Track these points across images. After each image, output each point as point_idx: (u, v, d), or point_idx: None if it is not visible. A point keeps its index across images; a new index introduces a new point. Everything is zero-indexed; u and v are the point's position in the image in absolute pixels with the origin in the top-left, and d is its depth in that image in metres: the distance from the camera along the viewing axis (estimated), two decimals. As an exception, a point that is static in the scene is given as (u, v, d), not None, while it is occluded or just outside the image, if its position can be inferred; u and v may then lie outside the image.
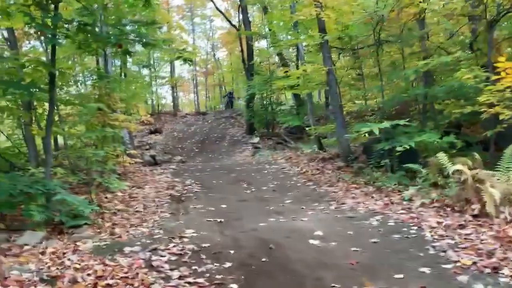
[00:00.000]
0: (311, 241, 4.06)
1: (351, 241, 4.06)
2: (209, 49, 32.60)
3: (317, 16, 8.66)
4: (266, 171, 9.00)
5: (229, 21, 18.99)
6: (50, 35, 4.58)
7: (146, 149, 18.21)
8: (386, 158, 6.96)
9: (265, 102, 19.69)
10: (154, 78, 21.26)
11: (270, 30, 19.91)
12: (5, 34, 10.25)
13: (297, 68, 12.43)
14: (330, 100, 8.91)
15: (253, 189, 7.07)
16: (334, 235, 4.25)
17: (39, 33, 4.79)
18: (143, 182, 8.39)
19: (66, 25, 4.92)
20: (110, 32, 5.24)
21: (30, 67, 5.36)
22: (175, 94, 26.71)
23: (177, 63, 30.55)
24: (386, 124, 5.95)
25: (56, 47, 5.47)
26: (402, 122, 6.16)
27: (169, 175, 9.32)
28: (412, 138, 6.29)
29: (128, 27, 5.59)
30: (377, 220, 4.76)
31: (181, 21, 27.65)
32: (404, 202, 5.41)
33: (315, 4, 8.52)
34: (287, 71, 18.57)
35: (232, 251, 3.78)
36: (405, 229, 4.27)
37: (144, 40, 5.37)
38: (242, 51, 19.88)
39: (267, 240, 4.06)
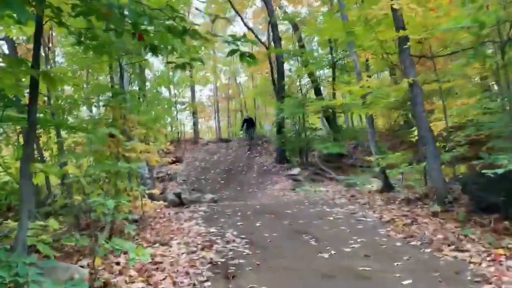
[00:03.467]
0: None
1: None
2: (230, 74, 30.97)
3: (398, 11, 6.60)
4: (331, 218, 6.70)
5: (259, 39, 17.12)
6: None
7: (165, 181, 16.18)
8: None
9: (298, 127, 17.56)
10: (174, 104, 19.45)
11: (301, 47, 18.07)
12: (6, 50, 8.63)
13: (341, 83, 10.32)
14: (416, 121, 6.66)
15: (331, 251, 4.78)
16: None
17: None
18: (168, 234, 6.20)
19: None
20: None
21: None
22: (195, 120, 24.86)
23: (197, 87, 28.95)
24: None
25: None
26: None
27: (201, 221, 7.11)
28: None
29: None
30: None
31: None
32: None
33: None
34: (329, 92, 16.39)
35: None
36: None
37: (182, 25, 3.31)
38: (272, 71, 17.94)
39: None
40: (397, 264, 4.17)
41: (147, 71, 14.22)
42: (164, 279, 4.17)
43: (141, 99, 8.08)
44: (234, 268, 4.39)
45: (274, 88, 17.78)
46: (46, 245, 4.24)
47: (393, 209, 6.74)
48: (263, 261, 4.58)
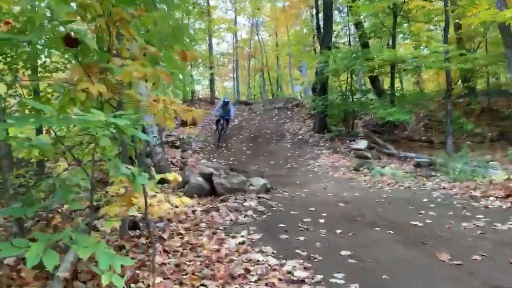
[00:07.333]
0: None
1: None
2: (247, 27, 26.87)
3: None
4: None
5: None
6: None
7: (174, 147, 12.78)
8: None
9: (345, 88, 13.87)
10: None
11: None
12: None
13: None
14: None
15: None
16: None
17: None
18: (200, 277, 2.78)
19: None
20: None
21: None
22: (212, 77, 21.11)
23: (214, 41, 24.94)
24: None
25: None
26: None
27: (258, 237, 3.67)
28: None
29: None
30: None
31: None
32: None
33: None
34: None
35: None
36: None
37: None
38: (317, 14, 14.06)
39: None
40: None
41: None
42: None
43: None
44: None
45: (318, 36, 13.97)
46: None
47: None
48: None
